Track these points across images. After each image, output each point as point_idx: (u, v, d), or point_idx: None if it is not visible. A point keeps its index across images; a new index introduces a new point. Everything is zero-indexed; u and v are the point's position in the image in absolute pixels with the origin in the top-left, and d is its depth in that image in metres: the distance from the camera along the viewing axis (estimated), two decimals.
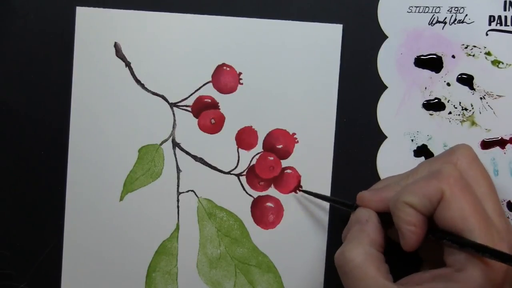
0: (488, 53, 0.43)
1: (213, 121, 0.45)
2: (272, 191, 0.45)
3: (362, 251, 0.34)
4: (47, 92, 0.45)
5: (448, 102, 0.44)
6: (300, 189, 0.45)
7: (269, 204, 0.45)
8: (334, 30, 0.44)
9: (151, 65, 0.45)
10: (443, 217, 0.32)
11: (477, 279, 0.30)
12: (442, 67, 0.44)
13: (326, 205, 0.45)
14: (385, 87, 0.44)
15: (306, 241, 0.45)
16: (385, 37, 0.44)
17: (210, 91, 0.45)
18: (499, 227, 0.32)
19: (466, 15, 0.43)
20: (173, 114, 0.45)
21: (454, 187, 0.32)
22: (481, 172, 0.34)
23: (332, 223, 0.45)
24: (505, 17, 0.43)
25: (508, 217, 0.44)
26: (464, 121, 0.44)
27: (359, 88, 0.44)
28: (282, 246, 0.45)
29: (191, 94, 0.45)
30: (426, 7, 0.44)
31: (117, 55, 0.45)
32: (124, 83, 0.45)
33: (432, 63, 0.44)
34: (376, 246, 0.35)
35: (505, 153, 0.44)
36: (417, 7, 0.44)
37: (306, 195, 0.44)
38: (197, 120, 0.45)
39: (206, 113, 0.45)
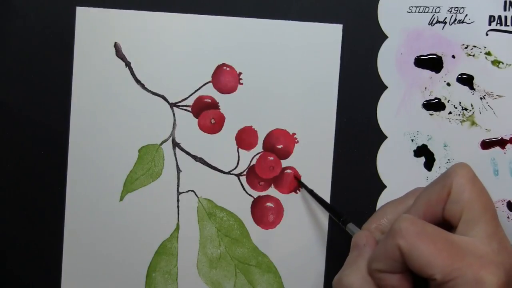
0: (488, 53, 0.43)
1: (213, 121, 0.45)
2: (272, 191, 0.45)
3: (359, 276, 0.34)
4: (47, 92, 0.45)
5: (448, 102, 0.44)
6: (299, 179, 0.45)
7: (269, 204, 0.45)
8: (334, 30, 0.44)
9: (151, 65, 0.45)
10: (411, 267, 0.32)
11: None
12: (442, 67, 0.44)
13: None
14: (385, 87, 0.44)
15: (306, 241, 0.45)
16: (385, 37, 0.44)
17: (210, 91, 0.45)
18: (484, 250, 0.32)
19: (466, 15, 0.43)
20: (173, 114, 0.45)
21: (409, 239, 0.32)
22: (476, 192, 0.34)
23: (332, 223, 0.45)
24: (505, 17, 0.43)
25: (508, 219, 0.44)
26: (464, 121, 0.44)
27: (359, 88, 0.44)
28: (282, 246, 0.45)
29: (191, 94, 0.45)
30: (426, 7, 0.44)
31: (117, 55, 0.45)
32: (124, 83, 0.45)
33: (432, 63, 0.44)
34: None
35: (505, 153, 0.44)
36: (417, 7, 0.44)
37: (305, 192, 0.45)
38: (197, 120, 0.45)
39: (206, 113, 0.45)
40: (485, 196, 0.34)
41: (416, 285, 0.33)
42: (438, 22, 0.44)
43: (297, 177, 0.45)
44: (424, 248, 0.31)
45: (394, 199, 0.39)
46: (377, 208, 0.44)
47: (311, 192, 0.44)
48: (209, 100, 0.45)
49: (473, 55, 0.44)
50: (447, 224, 0.34)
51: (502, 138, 0.44)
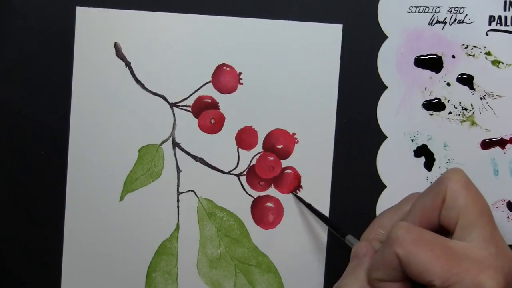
0: (488, 53, 0.43)
1: (213, 121, 0.45)
2: (272, 191, 0.45)
3: (358, 286, 0.34)
4: (47, 92, 0.45)
5: (448, 102, 0.44)
6: (296, 193, 0.45)
7: (269, 204, 0.45)
8: (334, 30, 0.44)
9: (151, 65, 0.45)
10: (410, 275, 0.32)
11: None
12: (442, 67, 0.44)
13: (326, 205, 0.45)
14: (385, 87, 0.44)
15: (306, 241, 0.45)
16: (385, 37, 0.44)
17: (210, 91, 0.45)
18: (482, 254, 0.31)
19: (466, 15, 0.43)
20: (173, 114, 0.45)
21: (407, 247, 0.31)
22: (472, 197, 0.34)
23: None
24: (505, 17, 0.43)
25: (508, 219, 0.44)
26: (464, 121, 0.44)
27: (359, 88, 0.44)
28: (282, 246, 0.45)
29: (191, 94, 0.45)
30: (426, 7, 0.44)
31: (117, 55, 0.45)
32: (124, 83, 0.45)
33: (432, 63, 0.44)
34: None
35: (505, 153, 0.44)
36: (417, 7, 0.44)
37: (305, 192, 0.45)
38: (197, 120, 0.45)
39: (206, 113, 0.45)
40: (480, 200, 0.34)
41: None
42: (438, 22, 0.44)
43: (294, 192, 0.45)
44: (422, 255, 0.31)
45: (389, 207, 0.39)
46: (377, 210, 0.44)
47: (308, 206, 0.44)
48: (209, 100, 0.45)
49: (473, 55, 0.44)
50: (443, 230, 0.34)
51: (502, 138, 0.44)
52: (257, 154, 0.45)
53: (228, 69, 0.45)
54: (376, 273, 0.33)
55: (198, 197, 0.45)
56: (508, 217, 0.44)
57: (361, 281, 0.34)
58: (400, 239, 0.32)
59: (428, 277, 0.31)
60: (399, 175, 0.44)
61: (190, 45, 0.45)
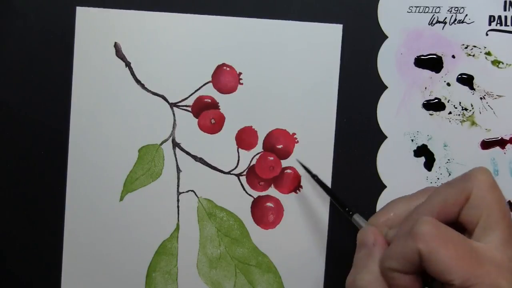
0: (488, 53, 0.43)
1: (213, 121, 0.45)
2: (272, 191, 0.45)
3: (373, 278, 0.34)
4: (47, 92, 0.45)
5: (448, 102, 0.44)
6: (300, 161, 0.44)
7: (269, 204, 0.45)
8: (334, 30, 0.44)
9: (151, 65, 0.45)
10: (429, 271, 0.32)
11: None
12: (442, 67, 0.44)
13: (326, 205, 0.45)
14: (385, 87, 0.44)
15: (306, 241, 0.45)
16: (385, 37, 0.44)
17: (210, 91, 0.45)
18: (501, 257, 0.32)
19: (466, 15, 0.43)
20: (173, 114, 0.45)
21: (431, 244, 0.31)
22: (496, 199, 0.33)
23: (332, 223, 0.45)
24: (505, 17, 0.43)
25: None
26: (464, 121, 0.44)
27: (359, 88, 0.44)
28: (282, 246, 0.45)
29: (191, 94, 0.45)
30: (426, 7, 0.44)
31: (117, 55, 0.45)
32: (124, 83, 0.45)
33: (432, 63, 0.44)
34: None
35: (505, 153, 0.44)
36: (417, 7, 0.44)
37: (305, 192, 0.44)
38: (197, 120, 0.45)
39: (206, 113, 0.45)
40: (503, 203, 0.34)
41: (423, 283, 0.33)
42: (438, 22, 0.44)
43: (299, 161, 0.44)
44: (445, 253, 0.31)
45: (403, 196, 0.39)
46: (377, 209, 0.44)
47: (314, 177, 0.42)
48: (209, 100, 0.45)
49: (473, 55, 0.44)
50: (460, 227, 0.34)
51: (502, 138, 0.44)
52: (257, 154, 0.45)
53: (228, 69, 0.45)
54: (391, 263, 0.33)
55: (198, 197, 0.45)
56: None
57: (375, 274, 0.34)
58: (424, 235, 0.31)
59: (449, 276, 0.31)
60: (399, 175, 0.44)
61: (190, 45, 0.45)
